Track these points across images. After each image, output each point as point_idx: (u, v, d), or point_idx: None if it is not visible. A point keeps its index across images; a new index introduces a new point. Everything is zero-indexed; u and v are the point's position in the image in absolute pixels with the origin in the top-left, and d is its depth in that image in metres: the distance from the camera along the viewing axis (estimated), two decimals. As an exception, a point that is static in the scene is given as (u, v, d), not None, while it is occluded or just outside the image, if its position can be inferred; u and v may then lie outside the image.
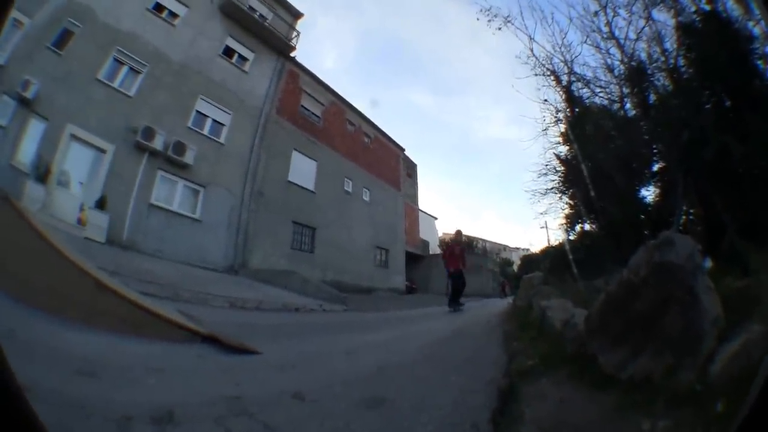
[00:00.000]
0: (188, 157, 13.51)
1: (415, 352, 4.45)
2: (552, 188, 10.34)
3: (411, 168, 31.49)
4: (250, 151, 15.37)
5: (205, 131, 14.56)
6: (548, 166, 10.26)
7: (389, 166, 25.90)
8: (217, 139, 14.77)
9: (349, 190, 20.85)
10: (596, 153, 8.26)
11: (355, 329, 6.07)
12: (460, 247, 12.04)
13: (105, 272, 3.96)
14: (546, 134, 10.24)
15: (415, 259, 29.62)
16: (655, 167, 7.97)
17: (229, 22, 16.26)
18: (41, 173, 11.62)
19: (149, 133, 12.92)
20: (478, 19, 10.23)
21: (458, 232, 13.30)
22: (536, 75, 9.78)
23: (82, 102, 12.64)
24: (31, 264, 3.04)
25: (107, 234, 11.56)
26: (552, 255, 12.88)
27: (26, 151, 11.97)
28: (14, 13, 12.96)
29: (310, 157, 18.24)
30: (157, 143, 12.98)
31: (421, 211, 34.78)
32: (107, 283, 3.22)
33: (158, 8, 14.67)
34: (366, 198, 22.23)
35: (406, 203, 28.63)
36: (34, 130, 12.21)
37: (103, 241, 11.33)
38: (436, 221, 40.73)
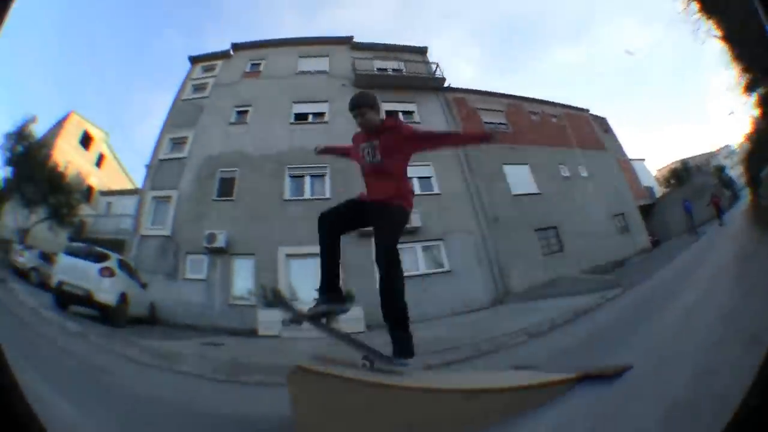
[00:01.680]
0: (415, 221, 12.94)
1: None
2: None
3: (603, 123, 28.04)
4: (466, 187, 14.47)
5: (417, 191, 13.99)
6: None
7: (586, 133, 23.13)
8: (431, 192, 14.24)
9: (567, 174, 18.75)
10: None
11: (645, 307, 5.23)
12: (395, 129, 3.18)
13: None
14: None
15: (647, 209, 25.89)
16: None
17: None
18: (269, 300, 11.97)
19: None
20: None
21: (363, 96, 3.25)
22: None
23: (281, 224, 13.51)
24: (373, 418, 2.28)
25: (364, 322, 11.39)
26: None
27: (241, 288, 13.10)
28: (155, 192, 15.55)
29: (519, 164, 16.85)
30: (377, 224, 12.77)
31: (631, 159, 30.66)
32: (473, 387, 2.60)
33: (300, 118, 15.84)
34: (584, 173, 19.85)
35: (617, 159, 25.35)
36: (243, 268, 13.43)
37: (363, 330, 11.16)
38: (644, 162, 35.83)
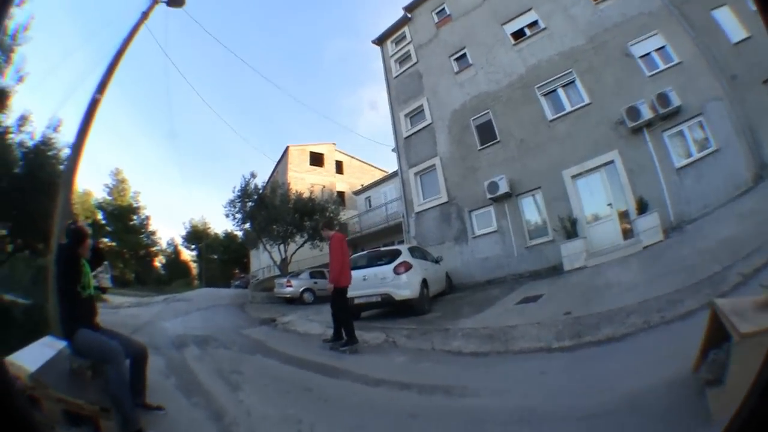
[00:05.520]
0: (674, 100, 11.33)
1: None
2: None
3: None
4: (697, 46, 12.23)
5: (660, 66, 12.17)
6: None
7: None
8: (673, 62, 12.16)
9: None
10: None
11: None
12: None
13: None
14: None
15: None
16: None
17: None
18: (568, 230, 11.42)
19: (633, 112, 11.48)
20: None
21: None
22: None
23: (555, 147, 12.58)
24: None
25: (661, 229, 10.33)
26: None
27: (536, 226, 12.87)
28: (416, 168, 16.06)
29: (720, 6, 13.85)
30: (644, 114, 11.36)
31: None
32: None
33: (518, 35, 14.68)
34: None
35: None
36: (532, 205, 12.93)
37: (662, 239, 9.98)
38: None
